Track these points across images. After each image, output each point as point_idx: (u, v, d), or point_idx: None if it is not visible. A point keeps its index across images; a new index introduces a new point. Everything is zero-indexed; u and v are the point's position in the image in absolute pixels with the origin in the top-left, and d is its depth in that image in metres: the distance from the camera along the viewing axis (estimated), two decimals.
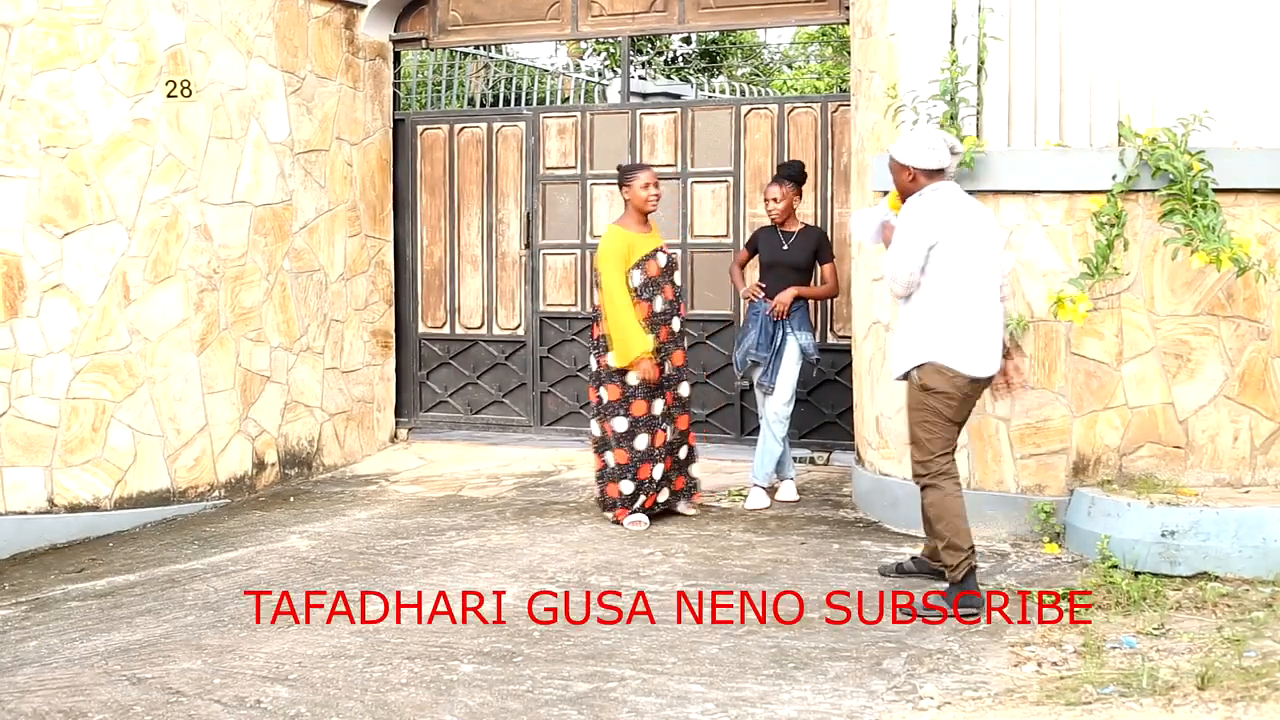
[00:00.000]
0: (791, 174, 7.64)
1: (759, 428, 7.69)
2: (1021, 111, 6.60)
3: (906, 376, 5.67)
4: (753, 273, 7.97)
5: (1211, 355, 6.47)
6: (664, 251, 7.25)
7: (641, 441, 7.05)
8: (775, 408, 7.50)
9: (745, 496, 7.64)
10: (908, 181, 5.66)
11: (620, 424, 7.06)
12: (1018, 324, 6.44)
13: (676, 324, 7.22)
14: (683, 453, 7.32)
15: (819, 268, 7.69)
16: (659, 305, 7.12)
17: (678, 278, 7.33)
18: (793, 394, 7.53)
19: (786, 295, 7.48)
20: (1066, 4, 6.54)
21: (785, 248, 7.59)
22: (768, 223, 7.76)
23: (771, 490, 7.65)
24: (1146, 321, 6.49)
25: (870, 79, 7.28)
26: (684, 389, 7.29)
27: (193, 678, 4.93)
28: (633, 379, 7.03)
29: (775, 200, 7.56)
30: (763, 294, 7.60)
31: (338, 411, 9.10)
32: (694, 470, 7.46)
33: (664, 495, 7.23)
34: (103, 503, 7.63)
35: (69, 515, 7.54)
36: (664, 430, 7.10)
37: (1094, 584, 5.73)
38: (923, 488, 5.65)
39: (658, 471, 7.10)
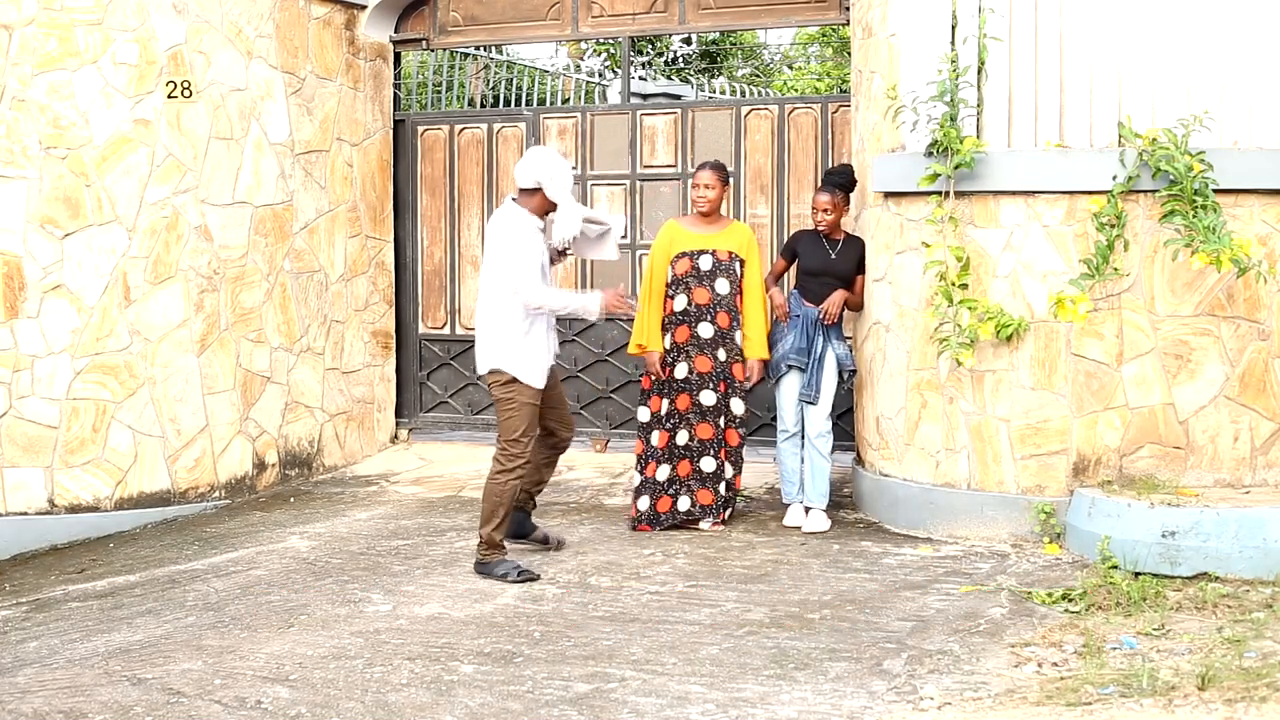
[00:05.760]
0: (841, 181, 7.29)
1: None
2: (1022, 112, 6.60)
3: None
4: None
5: (1212, 356, 6.47)
6: (712, 254, 7.04)
7: (654, 437, 7.12)
8: (819, 424, 7.12)
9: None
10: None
11: (643, 413, 7.22)
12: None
13: (706, 330, 6.99)
14: (707, 464, 7.05)
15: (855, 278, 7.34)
16: (680, 304, 7.05)
17: (721, 285, 7.03)
18: (832, 406, 7.22)
19: (838, 296, 7.12)
20: (1067, 4, 6.54)
21: (834, 256, 7.23)
22: (809, 226, 7.39)
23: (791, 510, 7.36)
24: (1147, 322, 6.49)
25: (871, 79, 7.28)
26: (706, 396, 7.01)
27: (193, 678, 4.93)
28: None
29: (826, 211, 7.16)
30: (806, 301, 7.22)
31: (338, 412, 9.10)
32: (722, 489, 7.11)
33: (684, 504, 7.06)
34: (103, 503, 7.63)
35: (69, 516, 7.54)
36: (668, 431, 7.07)
37: (1094, 584, 5.74)
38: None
39: (662, 473, 7.06)
